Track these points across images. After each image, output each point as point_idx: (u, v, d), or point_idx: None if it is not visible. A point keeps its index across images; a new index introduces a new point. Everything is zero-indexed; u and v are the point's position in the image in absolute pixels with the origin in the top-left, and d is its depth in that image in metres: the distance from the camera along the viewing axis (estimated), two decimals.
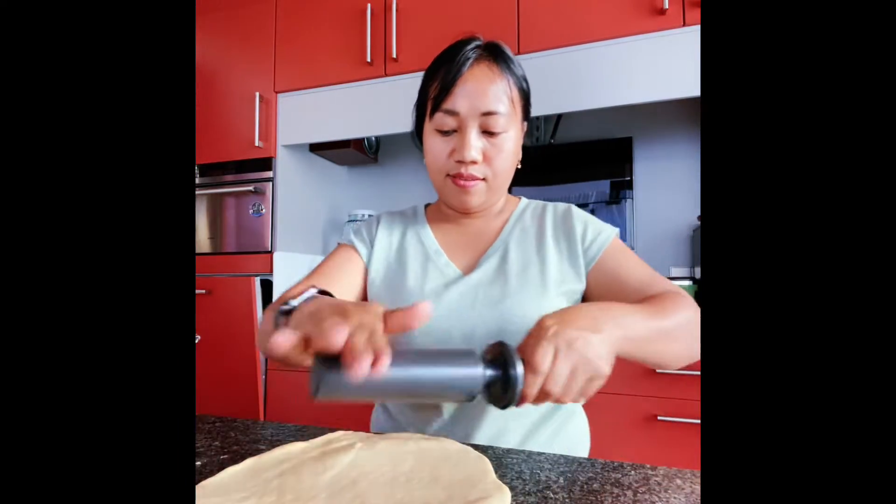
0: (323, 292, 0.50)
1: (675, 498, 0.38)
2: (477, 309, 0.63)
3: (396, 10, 1.57)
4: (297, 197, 1.84)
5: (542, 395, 0.43)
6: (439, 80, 0.64)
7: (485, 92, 0.62)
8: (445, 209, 0.73)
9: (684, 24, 1.31)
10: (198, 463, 0.45)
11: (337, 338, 0.34)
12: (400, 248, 0.72)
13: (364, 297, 0.72)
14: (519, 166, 0.70)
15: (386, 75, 1.60)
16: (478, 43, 0.65)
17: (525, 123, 0.70)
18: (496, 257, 0.68)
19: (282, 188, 1.74)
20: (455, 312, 0.64)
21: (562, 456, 0.47)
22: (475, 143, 0.62)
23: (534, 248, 0.68)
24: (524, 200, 0.76)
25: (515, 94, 0.65)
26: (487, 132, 0.63)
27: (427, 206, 0.80)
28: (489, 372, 0.42)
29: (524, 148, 0.72)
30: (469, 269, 0.68)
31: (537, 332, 0.45)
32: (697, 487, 0.40)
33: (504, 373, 0.42)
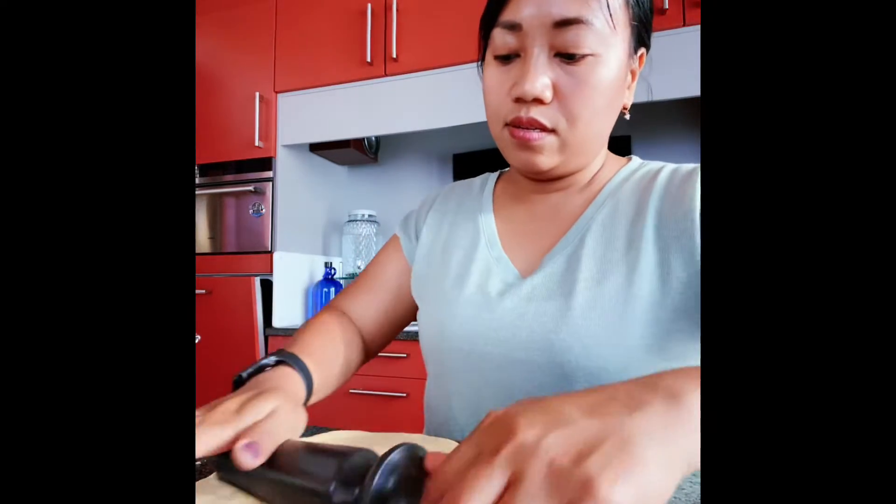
0: (283, 360, 0.42)
1: (675, 498, 0.38)
2: (524, 332, 0.44)
3: (396, 10, 1.57)
4: (297, 197, 1.83)
5: None
6: None
7: None
8: (516, 178, 0.53)
9: (684, 24, 1.31)
10: (198, 463, 0.45)
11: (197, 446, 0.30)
12: (449, 236, 0.55)
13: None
14: (626, 115, 0.48)
15: (386, 75, 1.60)
16: None
17: (643, 52, 0.47)
18: (565, 254, 0.46)
19: (282, 188, 1.74)
20: (498, 334, 0.46)
21: None
22: (541, 73, 0.41)
23: (623, 241, 0.44)
24: (634, 162, 0.52)
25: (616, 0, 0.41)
26: (564, 55, 0.41)
27: (503, 173, 0.59)
28: (340, 495, 0.27)
29: None
30: (529, 270, 0.48)
31: (485, 433, 0.24)
32: (697, 487, 0.40)
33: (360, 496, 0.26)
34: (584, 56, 0.41)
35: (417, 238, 0.58)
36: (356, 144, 1.90)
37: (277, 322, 1.68)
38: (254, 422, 0.32)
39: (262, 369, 0.41)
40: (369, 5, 1.60)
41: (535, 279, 0.46)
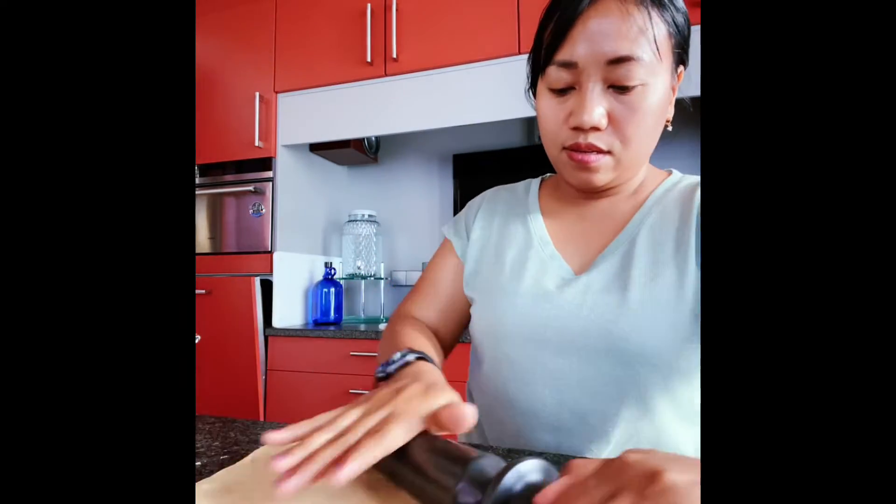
0: (421, 356, 0.44)
1: None
2: (581, 322, 0.49)
3: (396, 10, 1.57)
4: (297, 197, 1.84)
5: None
6: (553, 23, 0.48)
7: (613, 32, 0.45)
8: (565, 185, 0.58)
9: None
10: (198, 463, 0.45)
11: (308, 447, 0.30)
12: (500, 236, 0.60)
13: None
14: (669, 127, 0.54)
15: (386, 75, 1.60)
16: None
17: (681, 70, 0.54)
18: (619, 254, 0.52)
19: (282, 188, 1.74)
20: (556, 323, 0.51)
21: (562, 455, 0.47)
22: (597, 104, 0.46)
23: (672, 243, 0.50)
24: (675, 175, 0.57)
25: (661, 33, 0.47)
26: (616, 87, 0.46)
27: (544, 179, 0.64)
28: (466, 495, 0.28)
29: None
30: (583, 268, 0.53)
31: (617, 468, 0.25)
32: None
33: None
34: (633, 86, 0.46)
35: (468, 237, 0.62)
36: (356, 144, 1.90)
37: (277, 322, 1.68)
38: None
39: (407, 364, 0.43)
40: (369, 5, 1.60)
41: (591, 275, 0.51)
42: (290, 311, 1.73)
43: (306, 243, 1.88)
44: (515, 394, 0.54)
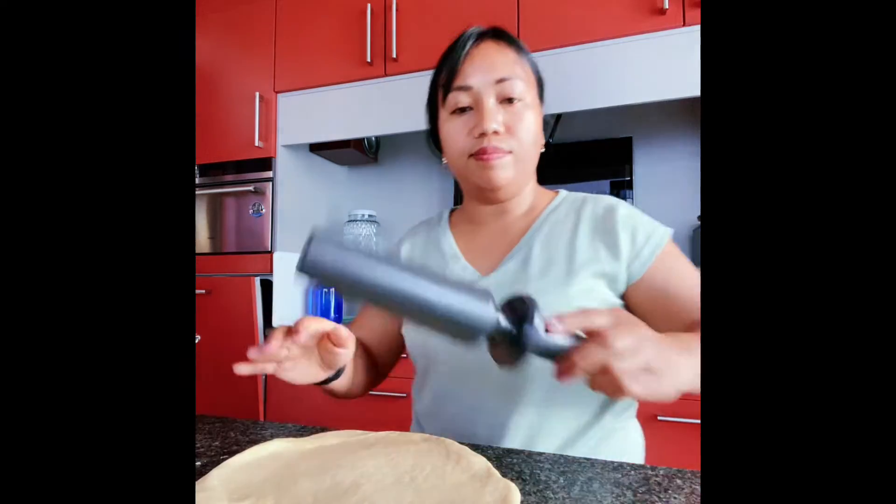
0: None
1: (675, 498, 0.38)
2: None
3: (396, 10, 1.57)
4: (297, 197, 1.83)
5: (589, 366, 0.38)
6: (447, 67, 0.63)
7: (495, 61, 0.61)
8: (471, 208, 0.70)
9: (684, 24, 1.31)
10: (198, 463, 0.45)
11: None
12: (423, 257, 0.72)
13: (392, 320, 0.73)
14: (543, 149, 0.67)
15: (386, 75, 1.60)
16: (480, 28, 0.65)
17: (542, 106, 0.67)
18: (518, 258, 0.63)
19: (282, 188, 1.74)
20: None
21: (561, 456, 0.47)
22: (494, 114, 0.59)
23: (564, 245, 0.61)
24: (562, 194, 0.69)
25: (526, 66, 0.63)
26: (506, 100, 0.60)
27: (453, 210, 0.77)
28: (503, 319, 0.39)
29: None
30: (489, 272, 0.64)
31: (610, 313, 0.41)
32: (697, 487, 0.40)
33: (519, 327, 0.38)
34: (518, 99, 0.60)
35: None
36: (356, 144, 1.90)
37: (277, 322, 1.68)
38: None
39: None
40: (369, 5, 1.60)
41: (496, 276, 0.63)
42: (290, 311, 1.73)
43: None
44: (445, 377, 0.64)
